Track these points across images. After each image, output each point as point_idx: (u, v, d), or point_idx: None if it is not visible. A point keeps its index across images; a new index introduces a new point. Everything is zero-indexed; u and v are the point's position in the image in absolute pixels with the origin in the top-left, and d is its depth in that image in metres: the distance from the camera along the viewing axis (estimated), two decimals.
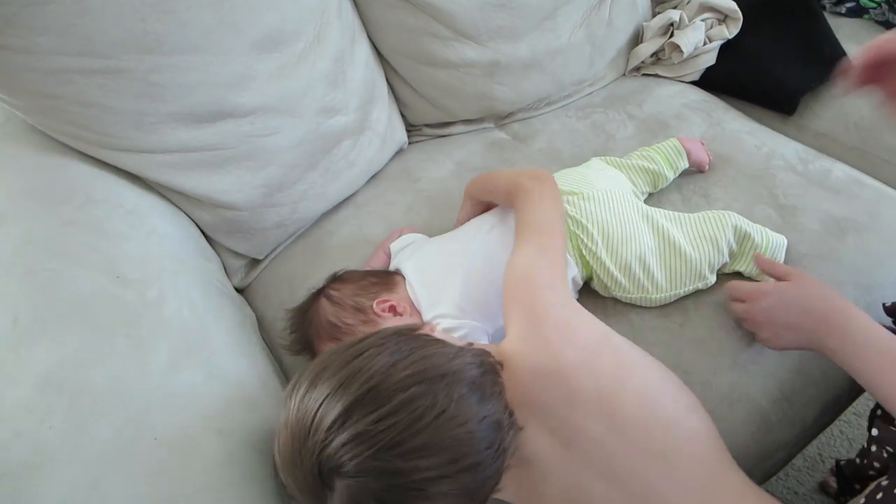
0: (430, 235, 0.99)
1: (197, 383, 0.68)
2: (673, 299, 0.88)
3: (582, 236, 0.86)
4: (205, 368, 0.70)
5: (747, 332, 0.84)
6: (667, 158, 1.01)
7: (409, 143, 1.19)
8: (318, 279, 0.97)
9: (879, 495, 0.63)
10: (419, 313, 0.84)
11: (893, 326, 0.82)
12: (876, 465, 0.73)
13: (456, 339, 0.68)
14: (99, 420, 0.60)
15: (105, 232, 0.79)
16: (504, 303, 0.72)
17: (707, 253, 0.87)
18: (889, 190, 1.01)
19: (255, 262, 1.04)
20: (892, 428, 0.70)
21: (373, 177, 1.12)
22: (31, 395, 0.60)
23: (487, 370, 0.60)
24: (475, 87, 1.13)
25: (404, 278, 0.88)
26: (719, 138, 1.11)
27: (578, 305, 0.72)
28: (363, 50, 1.07)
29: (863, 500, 0.64)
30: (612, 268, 0.86)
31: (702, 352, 0.85)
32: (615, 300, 0.90)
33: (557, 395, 0.64)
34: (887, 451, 0.70)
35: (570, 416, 0.63)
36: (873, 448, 0.72)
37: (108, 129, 0.83)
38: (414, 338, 0.61)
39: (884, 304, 0.84)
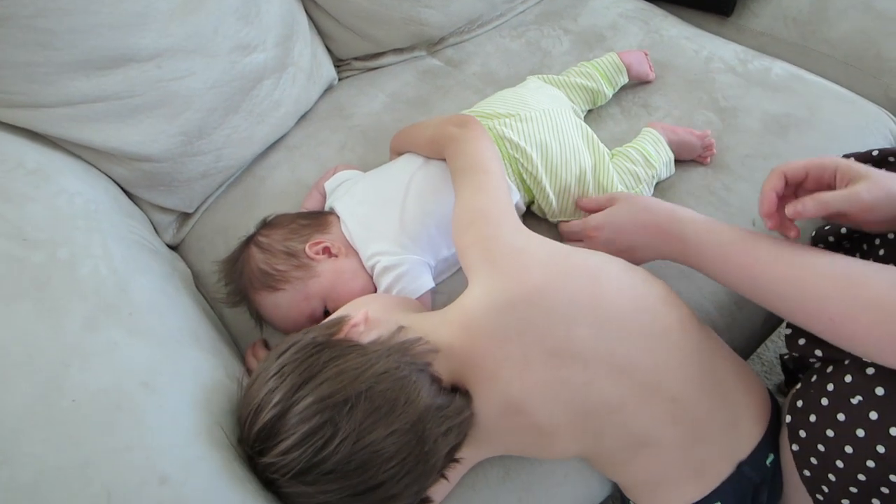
0: (366, 171, 0.95)
1: (117, 341, 0.64)
2: None
3: (521, 160, 0.83)
4: (125, 326, 0.66)
5: None
6: (605, 75, 0.97)
7: (340, 79, 1.14)
8: (251, 228, 0.93)
9: (814, 378, 0.63)
10: (355, 252, 0.81)
11: None
12: (817, 353, 0.73)
13: (390, 322, 0.66)
14: (11, 387, 0.57)
15: (5, 194, 0.73)
16: (459, 254, 0.71)
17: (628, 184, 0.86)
18: (829, 84, 0.99)
19: (185, 217, 1.00)
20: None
21: (302, 117, 1.07)
22: None
23: (405, 372, 0.59)
24: (400, 11, 1.07)
25: (338, 217, 0.84)
26: (657, 46, 1.07)
27: (528, 231, 0.70)
28: None
29: (798, 386, 0.65)
30: (549, 192, 0.83)
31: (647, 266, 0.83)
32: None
33: (536, 318, 0.63)
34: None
35: (555, 332, 0.63)
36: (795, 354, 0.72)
37: (2, 84, 0.76)
38: (329, 347, 0.61)
39: None
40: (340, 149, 1.02)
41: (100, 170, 0.87)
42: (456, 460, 0.64)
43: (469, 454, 0.66)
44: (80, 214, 0.77)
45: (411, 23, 1.09)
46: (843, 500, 0.60)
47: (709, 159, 0.90)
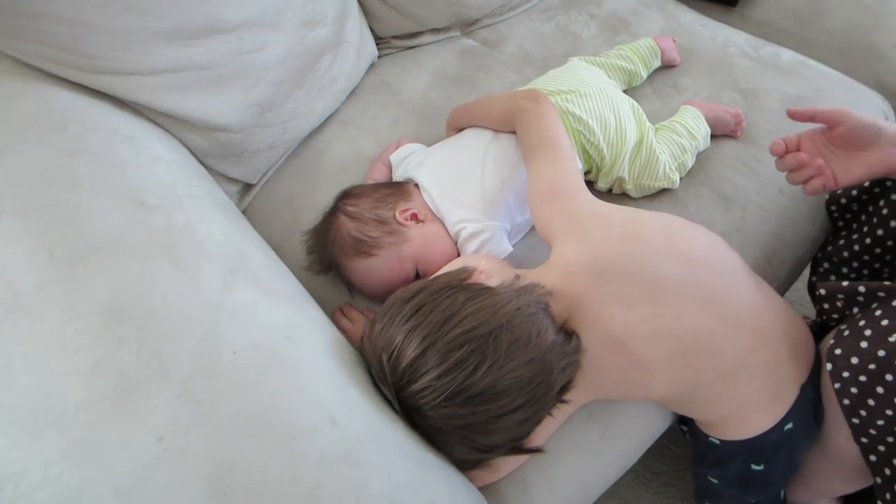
0: (425, 144, 1.00)
1: (254, 299, 0.68)
2: (645, 192, 0.95)
3: (584, 132, 0.90)
4: (255, 286, 0.70)
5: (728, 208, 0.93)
6: (642, 58, 1.06)
7: (379, 56, 1.17)
8: (320, 198, 0.97)
9: (846, 332, 0.73)
10: (439, 219, 0.86)
11: None
12: (835, 316, 0.82)
13: (504, 271, 0.73)
14: (174, 342, 0.60)
15: (112, 160, 0.75)
16: (539, 222, 0.79)
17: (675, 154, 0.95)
18: (830, 70, 1.11)
19: (247, 188, 1.02)
20: (832, 282, 0.82)
21: (351, 93, 1.10)
22: (96, 326, 0.59)
23: (534, 309, 0.66)
24: None
25: (417, 187, 0.89)
26: (677, 32, 1.17)
27: (600, 200, 0.79)
28: None
29: (832, 341, 0.75)
30: (608, 160, 0.91)
31: None
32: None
33: (626, 262, 0.71)
34: (839, 300, 0.80)
35: (645, 271, 0.72)
36: (825, 306, 0.82)
37: (96, 51, 0.77)
38: (464, 289, 0.67)
39: None
40: (394, 123, 1.06)
41: (178, 139, 0.88)
42: (564, 401, 0.71)
43: (575, 396, 0.73)
44: (180, 181, 0.79)
45: (453, 4, 1.14)
46: (878, 422, 0.71)
47: (739, 133, 1.00)
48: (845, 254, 0.92)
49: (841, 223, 0.96)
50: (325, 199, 0.96)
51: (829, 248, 0.96)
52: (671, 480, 1.19)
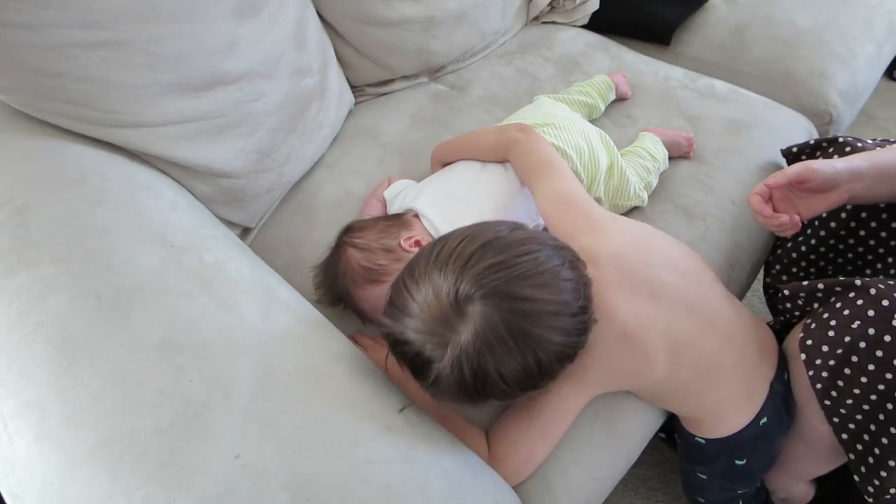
0: (415, 181, 1.07)
1: (292, 326, 0.72)
2: (619, 210, 1.05)
3: (564, 158, 1.00)
4: (290, 314, 0.74)
5: (691, 221, 1.04)
6: (600, 93, 1.18)
7: (355, 104, 1.25)
8: (318, 237, 1.02)
9: (813, 325, 0.83)
10: None
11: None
12: (797, 313, 0.92)
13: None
14: (230, 367, 0.64)
15: (136, 207, 0.78)
16: (558, 228, 0.84)
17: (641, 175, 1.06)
18: (757, 96, 1.26)
19: (245, 232, 1.05)
20: (793, 283, 0.92)
21: (334, 139, 1.17)
22: (157, 358, 0.62)
23: (571, 252, 0.72)
24: (414, 42, 1.21)
25: (417, 216, 0.95)
26: (623, 69, 1.30)
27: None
28: (312, 13, 1.10)
29: (801, 334, 0.84)
30: (585, 182, 1.01)
31: None
32: None
33: (637, 265, 0.80)
34: (801, 299, 0.89)
35: (650, 274, 0.80)
36: (787, 305, 0.92)
37: (111, 105, 0.80)
38: (515, 223, 0.72)
39: (781, 150, 1.12)
40: (380, 163, 1.13)
41: (185, 187, 0.92)
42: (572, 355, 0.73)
43: (589, 388, 0.80)
44: (199, 224, 0.83)
45: (422, 53, 1.23)
46: (847, 401, 0.81)
47: (692, 154, 1.13)
48: (794, 255, 1.04)
49: None
50: (323, 237, 1.01)
51: (779, 252, 1.08)
52: (658, 485, 1.27)
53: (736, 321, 0.86)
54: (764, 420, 0.85)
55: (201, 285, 0.72)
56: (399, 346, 0.67)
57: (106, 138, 0.83)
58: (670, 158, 1.12)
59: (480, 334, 0.62)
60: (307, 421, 0.62)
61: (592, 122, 1.19)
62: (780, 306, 0.94)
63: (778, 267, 1.08)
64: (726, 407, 0.86)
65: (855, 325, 0.78)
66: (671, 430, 1.02)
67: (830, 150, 1.00)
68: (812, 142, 1.07)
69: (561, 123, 1.03)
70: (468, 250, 0.65)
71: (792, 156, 1.10)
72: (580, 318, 0.67)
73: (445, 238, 0.69)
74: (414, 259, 0.70)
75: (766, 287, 1.12)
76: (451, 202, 0.95)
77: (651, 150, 1.08)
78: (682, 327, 0.81)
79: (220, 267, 0.76)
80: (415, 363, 0.66)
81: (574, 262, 0.70)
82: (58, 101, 0.78)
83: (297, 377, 0.65)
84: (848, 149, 0.96)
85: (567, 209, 0.86)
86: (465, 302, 0.63)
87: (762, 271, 1.14)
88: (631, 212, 1.06)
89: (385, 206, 1.04)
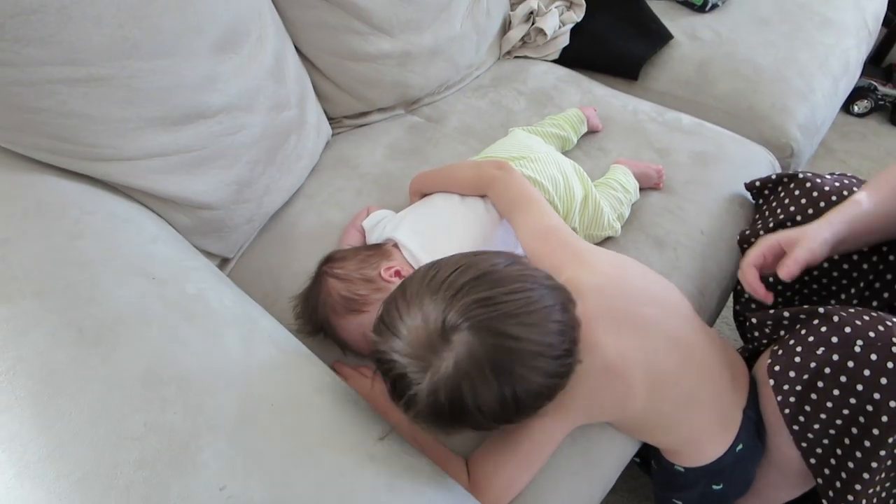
0: (393, 211, 1.09)
1: (274, 357, 0.73)
2: (593, 241, 1.08)
3: (539, 191, 1.03)
4: (273, 345, 0.75)
5: (663, 250, 1.08)
6: (572, 125, 1.22)
7: (332, 135, 1.27)
8: (297, 267, 1.03)
9: (780, 351, 0.86)
10: None
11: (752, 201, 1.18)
12: (764, 341, 0.95)
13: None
14: (215, 398, 0.64)
15: (115, 240, 0.78)
16: (540, 260, 0.85)
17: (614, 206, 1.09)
18: (723, 129, 1.31)
19: (223, 262, 1.06)
20: (761, 311, 0.95)
21: (313, 170, 1.18)
22: (140, 391, 0.62)
23: (566, 293, 0.73)
24: (392, 76, 1.24)
25: (397, 246, 0.97)
26: (593, 103, 1.35)
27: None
28: (290, 48, 1.12)
29: (769, 360, 0.88)
30: (561, 213, 1.04)
31: None
32: None
33: (618, 299, 0.82)
34: (768, 327, 0.93)
35: (632, 307, 0.82)
36: (756, 333, 0.95)
37: (92, 140, 0.81)
38: (510, 254, 0.73)
39: (745, 184, 1.17)
40: (357, 194, 1.14)
41: (164, 219, 0.92)
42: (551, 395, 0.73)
43: (571, 419, 0.81)
44: (179, 256, 0.84)
45: (399, 86, 1.26)
46: (815, 425, 0.83)
47: (661, 185, 1.17)
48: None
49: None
50: (301, 267, 1.02)
51: None
52: None
53: (711, 352, 0.89)
54: (740, 447, 0.87)
55: (184, 317, 0.72)
56: (383, 364, 0.67)
57: (87, 172, 0.83)
58: (641, 189, 1.15)
59: (461, 364, 0.63)
60: (292, 452, 0.62)
61: (565, 153, 1.23)
62: (749, 334, 0.97)
63: (746, 296, 1.12)
64: (704, 437, 0.87)
65: (820, 352, 0.81)
66: (645, 455, 1.04)
67: (791, 185, 1.04)
68: (774, 177, 1.11)
69: (536, 156, 1.06)
70: (461, 280, 0.66)
71: (755, 190, 1.15)
72: (563, 360, 0.68)
73: (442, 263, 0.70)
74: (408, 279, 0.71)
75: (735, 315, 1.16)
76: (430, 232, 0.97)
77: (623, 181, 1.11)
78: (662, 360, 0.82)
79: (201, 298, 0.76)
80: (396, 383, 0.66)
81: (566, 304, 0.70)
82: (39, 135, 0.78)
83: (281, 408, 0.66)
84: (808, 184, 1.01)
85: (548, 241, 0.88)
86: (451, 330, 0.63)
87: (731, 299, 1.17)
88: (605, 241, 1.09)
89: (364, 236, 1.05)
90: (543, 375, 0.66)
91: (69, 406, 0.60)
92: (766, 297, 0.87)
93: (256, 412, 0.64)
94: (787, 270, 0.83)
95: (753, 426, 0.89)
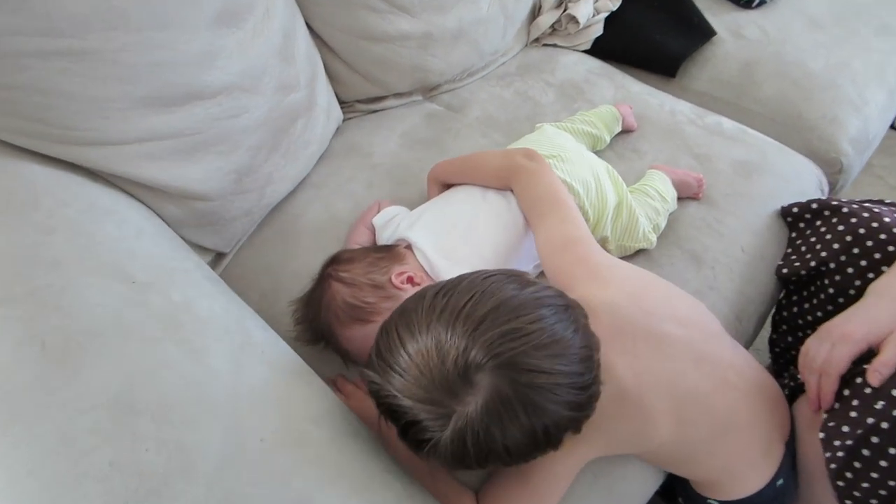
0: (400, 205, 0.99)
1: (268, 378, 0.64)
2: (625, 252, 0.99)
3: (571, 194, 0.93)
4: (266, 363, 0.66)
5: (699, 268, 0.99)
6: (605, 124, 1.11)
7: (344, 120, 1.17)
8: (298, 265, 0.94)
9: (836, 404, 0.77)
10: (434, 280, 0.85)
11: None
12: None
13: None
14: (196, 433, 0.55)
15: (94, 236, 0.69)
16: (553, 273, 0.79)
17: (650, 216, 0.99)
18: (767, 138, 1.20)
19: (219, 257, 0.97)
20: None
21: (321, 157, 1.08)
22: (108, 421, 0.53)
23: (580, 311, 0.65)
24: (411, 59, 1.13)
25: (410, 248, 0.88)
26: (628, 100, 1.24)
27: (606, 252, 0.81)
28: (301, 25, 1.02)
29: (825, 415, 0.78)
30: (591, 220, 0.94)
31: None
32: None
33: (637, 317, 0.73)
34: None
35: (651, 328, 0.73)
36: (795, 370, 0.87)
37: (73, 121, 0.72)
38: (520, 275, 0.64)
39: (782, 208, 1.07)
40: (368, 186, 1.05)
41: (153, 209, 0.83)
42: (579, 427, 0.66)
43: (585, 450, 0.73)
44: (167, 254, 0.75)
45: (417, 70, 1.16)
46: (863, 484, 0.74)
47: (701, 195, 1.07)
48: (800, 321, 0.99)
49: (791, 286, 1.03)
50: (304, 266, 0.93)
51: (785, 313, 1.03)
52: None
53: (749, 374, 0.81)
54: (780, 482, 0.79)
55: (166, 329, 0.63)
56: (389, 409, 0.59)
57: (64, 157, 0.74)
58: (678, 199, 1.05)
59: (490, 406, 0.56)
60: (283, 498, 0.53)
61: (596, 154, 1.13)
62: (787, 370, 0.89)
63: (785, 326, 1.03)
64: (742, 466, 0.79)
65: (879, 406, 0.72)
66: (669, 485, 0.95)
67: (834, 219, 0.95)
68: (815, 206, 1.01)
69: (567, 156, 0.96)
70: (479, 311, 0.58)
71: (792, 217, 1.05)
72: (591, 389, 0.61)
73: (450, 288, 0.61)
74: (410, 305, 0.62)
75: (772, 343, 1.07)
76: (447, 234, 0.88)
77: (660, 189, 1.02)
78: (689, 382, 0.75)
79: (188, 306, 0.67)
80: (407, 430, 0.59)
81: (584, 325, 0.63)
82: (9, 115, 0.69)
83: (272, 444, 0.57)
84: (853, 219, 0.91)
85: (565, 254, 0.80)
86: (474, 370, 0.56)
87: (769, 324, 1.08)
88: (637, 254, 1.00)
89: (374, 234, 0.96)
90: (574, 407, 0.60)
91: (25, 436, 0.51)
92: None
93: (243, 450, 0.55)
94: (879, 377, 0.72)
95: (791, 462, 0.81)
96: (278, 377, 0.65)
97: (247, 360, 0.64)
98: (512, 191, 0.92)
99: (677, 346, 0.75)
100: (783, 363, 1.06)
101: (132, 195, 0.81)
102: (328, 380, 0.84)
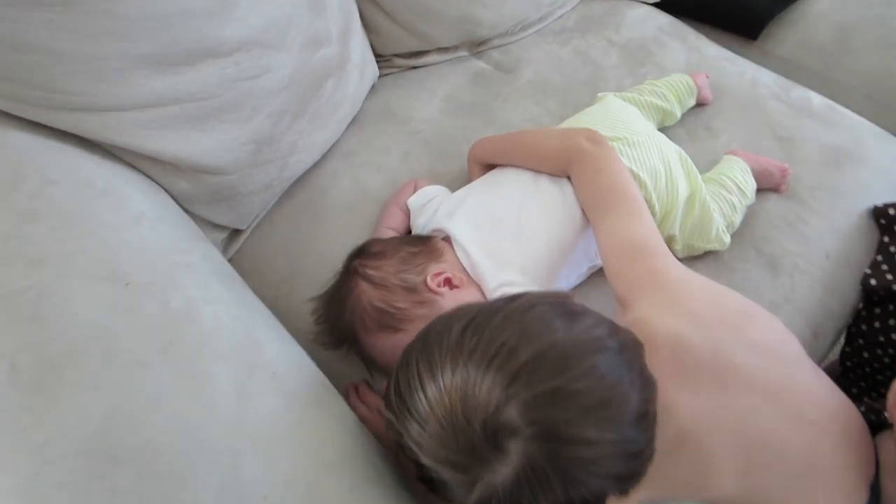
0: (439, 183, 0.88)
1: (277, 411, 0.54)
2: (693, 253, 0.87)
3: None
4: (277, 389, 0.56)
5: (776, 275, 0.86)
6: (678, 96, 0.97)
7: (379, 77, 1.03)
8: (323, 247, 0.85)
9: None
10: (475, 283, 0.74)
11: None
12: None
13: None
14: (188, 487, 0.46)
15: (84, 224, 0.59)
16: (618, 281, 0.67)
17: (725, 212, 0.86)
18: (861, 119, 1.04)
19: (234, 234, 0.86)
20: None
21: (353, 121, 0.96)
22: (83, 473, 0.44)
23: (635, 349, 0.55)
24: (457, 9, 0.99)
25: (449, 241, 0.76)
26: (702, 66, 1.08)
27: (681, 263, 0.69)
28: None
29: None
30: (658, 216, 0.82)
31: None
32: None
33: (706, 344, 0.62)
34: None
35: (720, 356, 0.62)
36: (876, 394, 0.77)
37: (62, 83, 0.61)
38: (567, 305, 0.54)
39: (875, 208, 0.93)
40: (404, 158, 0.93)
41: (159, 184, 0.73)
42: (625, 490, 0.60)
43: (626, 501, 0.64)
44: (170, 245, 0.64)
45: (466, 21, 1.01)
46: None
47: (784, 188, 0.93)
48: (881, 338, 0.87)
49: (875, 297, 0.90)
50: (329, 249, 0.83)
51: (863, 326, 0.90)
52: None
53: (830, 405, 0.69)
54: None
55: (161, 346, 0.53)
56: (405, 451, 0.51)
57: (53, 124, 0.63)
58: (758, 191, 0.92)
59: (522, 479, 0.47)
60: None
61: (663, 129, 0.99)
62: (864, 392, 0.77)
63: (862, 341, 0.91)
64: None
65: None
66: None
67: None
68: None
69: (636, 139, 0.83)
70: (517, 360, 0.48)
71: (886, 219, 0.91)
72: (644, 454, 0.52)
73: (481, 323, 0.51)
74: (433, 336, 0.53)
75: (844, 356, 0.95)
76: (492, 228, 0.76)
77: (740, 180, 0.88)
78: (760, 423, 0.64)
79: (190, 314, 0.57)
80: (425, 480, 0.51)
81: (640, 367, 0.54)
82: None
83: (278, 502, 0.48)
84: None
85: (635, 263, 0.68)
86: (506, 436, 0.47)
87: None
88: (705, 255, 0.87)
89: (408, 217, 0.85)
90: (621, 479, 0.51)
91: None
92: None
93: None
94: None
95: None
96: (290, 410, 0.55)
97: (254, 387, 0.55)
98: (568, 178, 0.79)
99: (749, 379, 0.64)
100: (853, 379, 0.95)
101: (136, 168, 0.70)
102: (349, 386, 0.75)
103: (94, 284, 0.54)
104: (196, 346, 0.55)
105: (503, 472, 0.47)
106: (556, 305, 0.54)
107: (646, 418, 0.52)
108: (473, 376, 0.48)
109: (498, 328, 0.50)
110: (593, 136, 0.77)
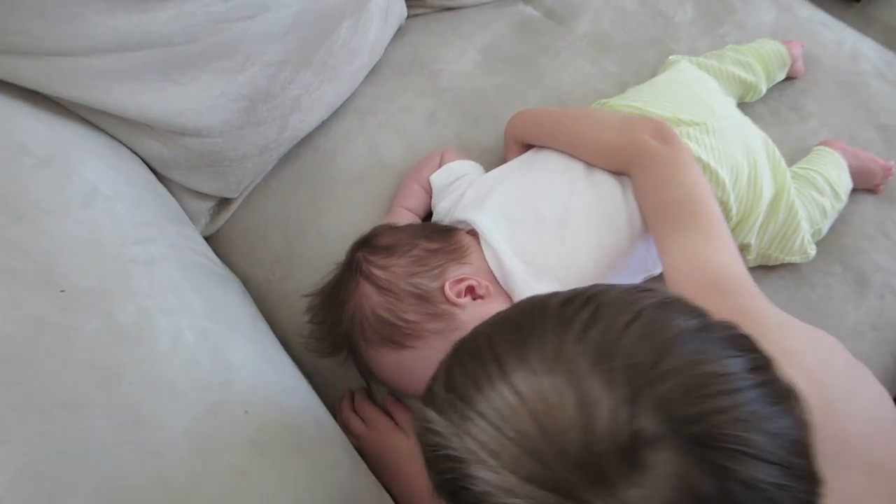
0: (469, 154, 0.73)
1: (237, 485, 0.43)
2: (766, 262, 0.73)
3: (711, 185, 0.65)
4: (248, 440, 0.45)
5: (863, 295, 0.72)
6: (767, 69, 0.80)
7: (408, 18, 0.87)
8: (327, 225, 0.73)
9: None
10: (505, 293, 0.61)
11: None
12: None
13: None
14: None
15: (15, 207, 0.46)
16: None
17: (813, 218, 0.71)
18: None
19: (223, 203, 0.73)
20: None
21: (372, 71, 0.80)
22: None
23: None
24: None
25: (477, 237, 0.63)
26: (793, 30, 0.91)
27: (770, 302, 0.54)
28: None
29: None
30: (734, 220, 0.67)
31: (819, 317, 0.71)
32: None
33: (817, 409, 0.48)
34: None
35: (829, 431, 0.48)
36: None
37: None
38: (677, 295, 0.40)
39: None
40: (429, 120, 0.78)
41: (128, 147, 0.59)
42: None
43: None
44: (128, 233, 0.52)
45: None
46: None
47: (882, 188, 0.77)
48: None
49: None
50: (334, 228, 0.71)
51: None
52: None
53: None
54: None
55: (98, 381, 0.41)
56: (454, 478, 0.35)
57: None
58: (852, 191, 0.76)
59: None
60: None
61: (741, 105, 0.82)
62: None
63: None
64: None
65: None
66: None
67: None
68: None
69: (718, 125, 0.67)
70: (651, 345, 0.34)
71: None
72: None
73: (590, 297, 0.37)
74: (513, 314, 0.39)
75: None
76: (532, 226, 0.62)
77: (833, 179, 0.72)
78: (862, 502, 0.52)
79: (142, 332, 0.45)
80: None
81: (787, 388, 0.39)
82: None
83: None
84: None
85: (713, 296, 0.52)
86: (646, 446, 0.32)
87: None
88: (781, 266, 0.73)
89: (430, 196, 0.71)
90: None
91: None
92: None
93: None
94: None
95: None
96: (260, 467, 0.44)
97: (216, 437, 0.43)
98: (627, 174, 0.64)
99: (852, 452, 0.51)
100: None
101: (98, 128, 0.57)
102: (343, 394, 0.64)
103: (15, 292, 0.42)
104: (145, 375, 0.43)
105: (641, 499, 0.32)
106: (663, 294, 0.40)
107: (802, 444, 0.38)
108: (587, 365, 0.33)
109: (617, 305, 0.36)
110: (662, 132, 0.61)
